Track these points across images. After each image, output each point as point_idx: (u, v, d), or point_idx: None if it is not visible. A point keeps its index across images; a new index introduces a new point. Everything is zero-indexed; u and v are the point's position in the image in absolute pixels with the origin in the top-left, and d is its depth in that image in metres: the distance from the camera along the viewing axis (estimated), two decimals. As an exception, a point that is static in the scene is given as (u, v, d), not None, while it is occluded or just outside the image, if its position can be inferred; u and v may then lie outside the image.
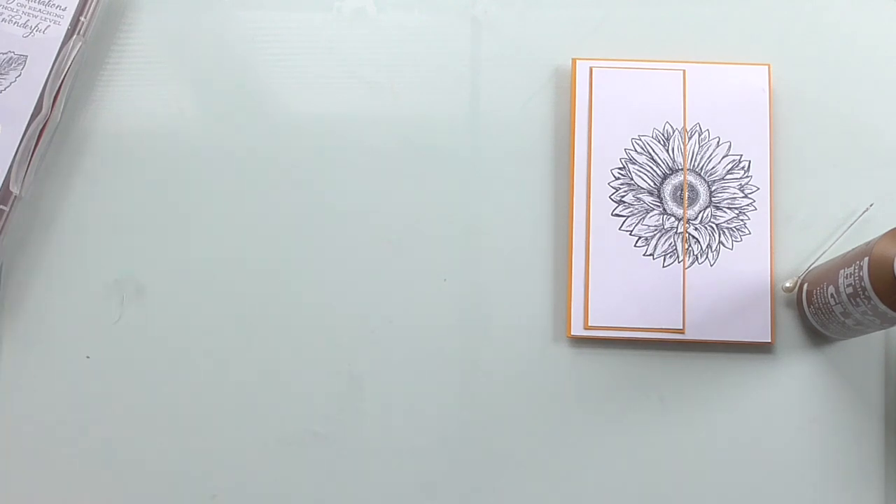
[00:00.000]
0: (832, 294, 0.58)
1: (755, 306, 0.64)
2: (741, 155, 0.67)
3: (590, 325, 0.64)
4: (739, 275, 0.64)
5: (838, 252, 0.61)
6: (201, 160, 0.68)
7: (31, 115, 0.66)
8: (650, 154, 0.67)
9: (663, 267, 0.64)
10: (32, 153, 0.66)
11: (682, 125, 0.67)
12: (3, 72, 0.66)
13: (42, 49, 0.67)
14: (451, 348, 0.65)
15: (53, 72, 0.67)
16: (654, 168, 0.66)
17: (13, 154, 0.65)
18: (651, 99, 0.67)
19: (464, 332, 0.65)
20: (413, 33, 0.71)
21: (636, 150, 0.67)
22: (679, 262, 0.65)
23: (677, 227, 0.65)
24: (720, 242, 0.65)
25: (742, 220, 0.65)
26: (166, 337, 0.65)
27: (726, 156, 0.67)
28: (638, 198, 0.66)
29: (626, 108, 0.67)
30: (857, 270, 0.55)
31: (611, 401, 0.64)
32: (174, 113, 0.69)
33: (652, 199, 0.66)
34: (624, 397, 0.64)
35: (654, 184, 0.66)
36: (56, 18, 0.68)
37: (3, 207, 0.65)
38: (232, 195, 0.68)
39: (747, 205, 0.66)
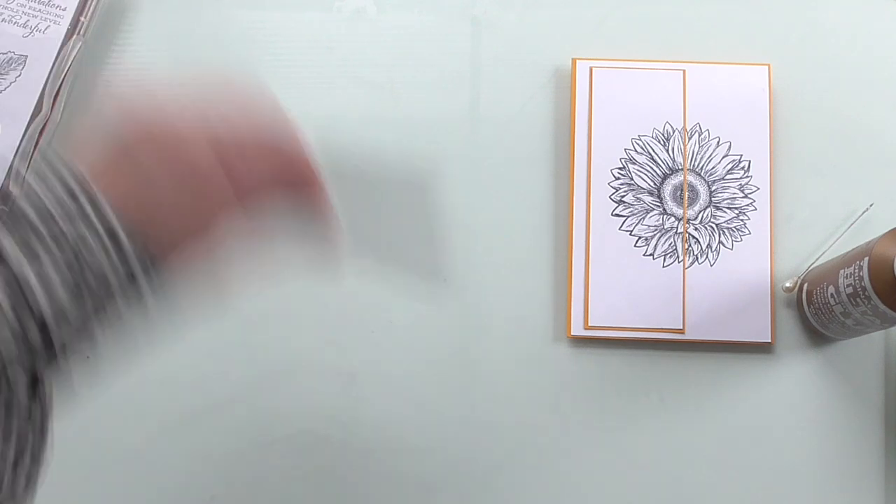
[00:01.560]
0: (832, 294, 0.58)
1: (755, 306, 0.64)
2: (741, 155, 0.67)
3: (590, 325, 0.64)
4: (739, 275, 0.64)
5: (838, 252, 0.61)
6: (201, 160, 0.68)
7: (31, 115, 0.66)
8: (650, 154, 0.67)
9: (663, 267, 0.64)
10: (32, 153, 0.66)
11: (682, 125, 0.67)
12: (3, 72, 0.66)
13: (42, 49, 0.67)
14: (451, 348, 0.65)
15: (53, 72, 0.67)
16: (654, 168, 0.66)
17: (13, 154, 0.65)
18: (651, 99, 0.67)
19: (464, 332, 0.65)
20: (413, 33, 0.71)
21: (636, 150, 0.67)
22: (679, 262, 0.65)
23: (677, 227, 0.65)
24: (720, 242, 0.65)
25: (742, 220, 0.65)
26: (166, 337, 0.65)
27: (726, 156, 0.67)
28: (638, 198, 0.66)
29: (626, 108, 0.67)
30: (857, 270, 0.55)
31: (611, 401, 0.64)
32: (174, 113, 0.69)
33: (652, 199, 0.66)
34: (624, 397, 0.64)
35: (654, 184, 0.66)
36: (56, 18, 0.68)
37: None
38: (232, 195, 0.68)
39: (747, 205, 0.66)
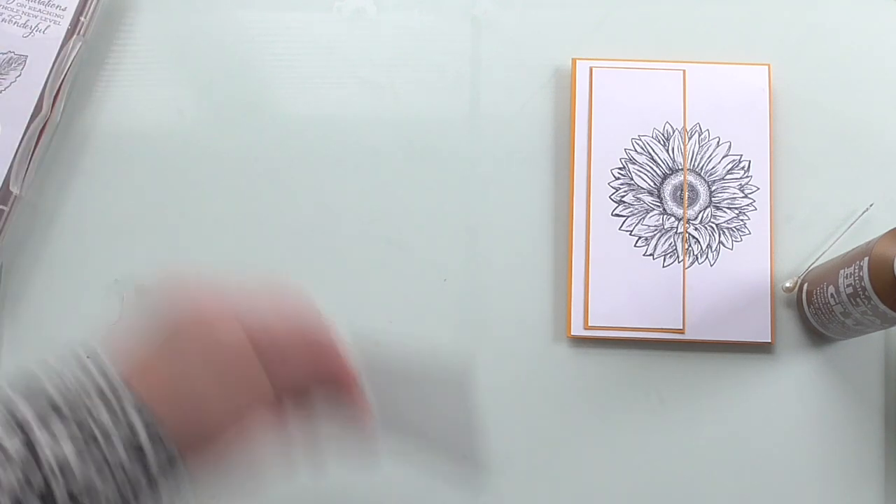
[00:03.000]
0: (832, 294, 0.58)
1: (755, 306, 0.64)
2: (741, 155, 0.67)
3: (590, 325, 0.64)
4: (739, 275, 0.64)
5: (838, 252, 0.61)
6: (201, 160, 0.68)
7: (31, 115, 0.66)
8: (650, 154, 0.67)
9: (663, 267, 0.64)
10: (32, 153, 0.66)
11: (682, 125, 0.67)
12: (3, 72, 0.66)
13: (42, 49, 0.67)
14: (452, 348, 0.65)
15: (53, 72, 0.67)
16: (654, 168, 0.66)
17: (13, 154, 0.65)
18: (651, 99, 0.67)
19: (464, 332, 0.65)
20: (413, 33, 0.71)
21: (636, 150, 0.67)
22: (679, 262, 0.65)
23: (677, 227, 0.65)
24: (720, 242, 0.65)
25: (742, 220, 0.65)
26: (166, 337, 0.65)
27: (726, 156, 0.67)
28: (638, 198, 0.66)
29: (626, 108, 0.67)
30: (857, 270, 0.55)
31: (611, 401, 0.64)
32: (174, 113, 0.69)
33: (652, 199, 0.66)
34: (624, 397, 0.64)
35: (654, 184, 0.66)
36: (56, 18, 0.68)
37: (3, 207, 0.65)
38: (232, 195, 0.68)
39: (747, 205, 0.66)
